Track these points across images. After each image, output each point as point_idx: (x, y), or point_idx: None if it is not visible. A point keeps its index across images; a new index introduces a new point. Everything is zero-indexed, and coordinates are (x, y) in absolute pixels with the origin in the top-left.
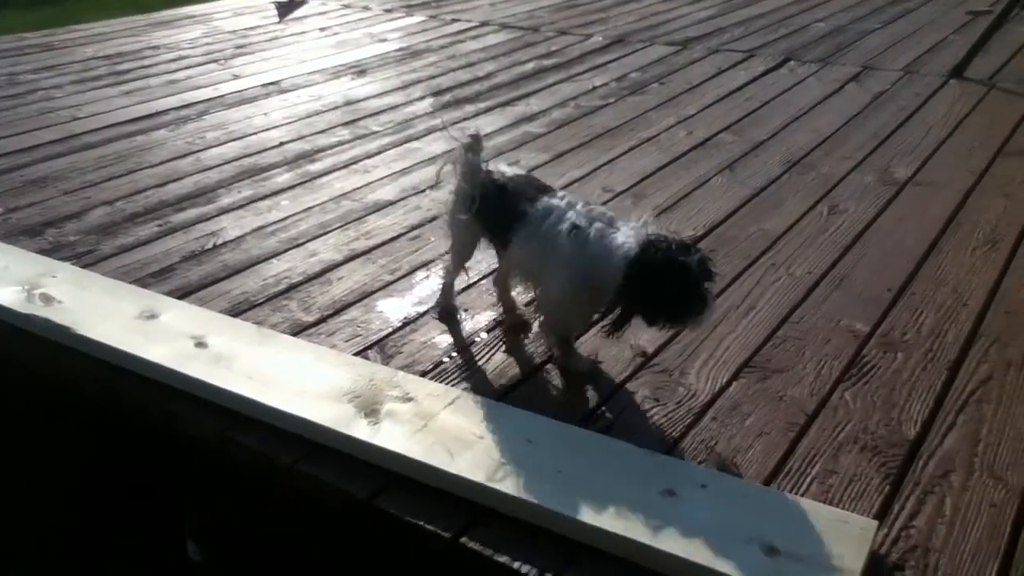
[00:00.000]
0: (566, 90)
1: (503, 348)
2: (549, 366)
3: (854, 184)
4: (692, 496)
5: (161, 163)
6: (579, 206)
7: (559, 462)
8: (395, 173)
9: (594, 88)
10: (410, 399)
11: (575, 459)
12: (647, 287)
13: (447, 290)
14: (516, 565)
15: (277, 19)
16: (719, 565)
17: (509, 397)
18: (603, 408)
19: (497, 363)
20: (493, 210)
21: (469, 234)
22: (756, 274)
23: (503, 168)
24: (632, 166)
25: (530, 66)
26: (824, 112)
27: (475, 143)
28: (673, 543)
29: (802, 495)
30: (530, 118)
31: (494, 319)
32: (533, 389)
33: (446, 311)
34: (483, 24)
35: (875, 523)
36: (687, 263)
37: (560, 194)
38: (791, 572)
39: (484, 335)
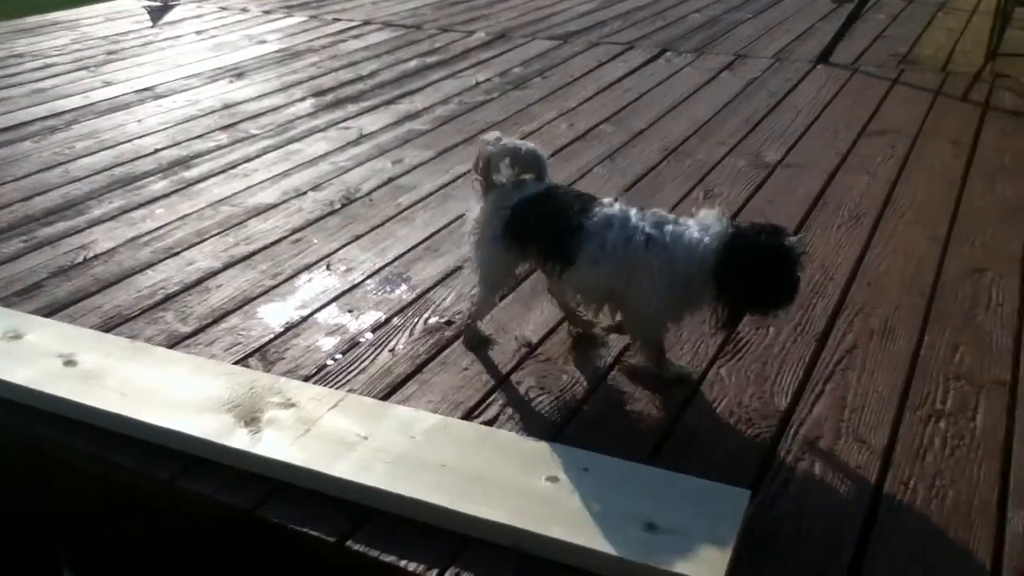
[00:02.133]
0: (449, 87)
1: (388, 347)
2: (433, 363)
3: (728, 169)
4: (575, 480)
5: (26, 176)
6: (634, 211)
7: (443, 457)
8: (276, 176)
9: (477, 84)
10: (292, 405)
11: (459, 453)
12: (745, 276)
13: (475, 325)
14: (403, 563)
15: (150, 23)
16: (600, 545)
17: (395, 396)
18: (488, 400)
19: (383, 362)
20: (539, 230)
21: (505, 260)
22: None
23: (537, 184)
24: None
25: (413, 64)
26: (700, 100)
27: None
28: (556, 528)
29: (682, 471)
30: (414, 115)
31: (379, 319)
32: (418, 386)
33: (479, 341)
34: (365, 23)
35: (748, 492)
36: (789, 247)
37: (606, 200)
38: (669, 546)
39: (369, 335)
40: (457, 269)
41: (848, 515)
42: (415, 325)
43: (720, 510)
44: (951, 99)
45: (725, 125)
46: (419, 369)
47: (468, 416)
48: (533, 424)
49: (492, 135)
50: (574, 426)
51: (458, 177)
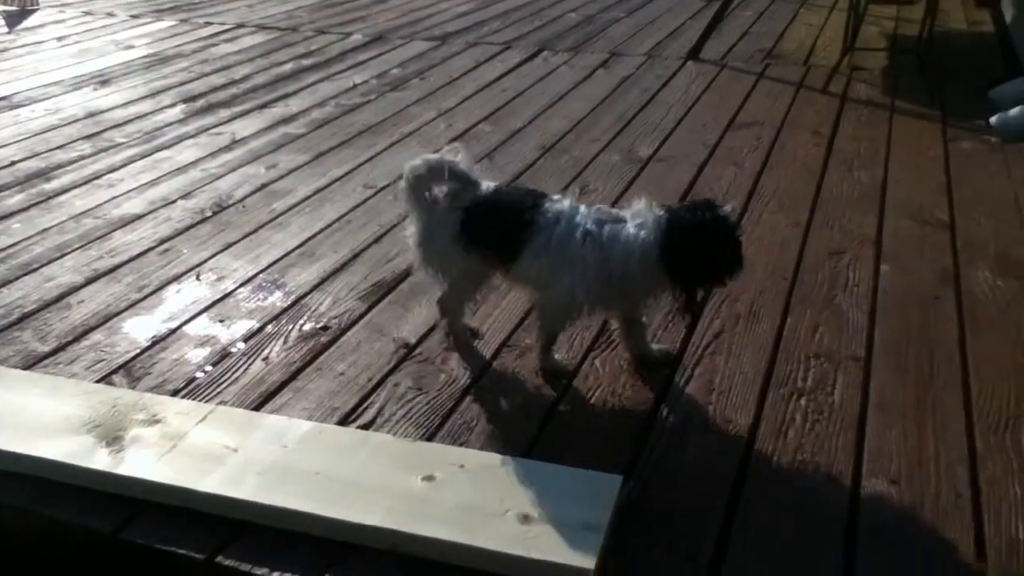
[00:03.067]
0: (326, 89)
1: (261, 356)
2: (308, 369)
3: (602, 164)
4: (451, 478)
5: None
6: (583, 208)
7: (317, 464)
8: (143, 185)
9: (354, 86)
10: (157, 421)
11: (333, 459)
12: (690, 257)
13: (458, 330)
14: (276, 575)
15: (6, 29)
16: (475, 540)
17: (268, 405)
18: (365, 404)
19: (255, 372)
20: (494, 227)
21: (468, 261)
22: None
23: (485, 184)
24: (393, 161)
25: (288, 67)
26: (575, 98)
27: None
28: (432, 527)
29: (558, 461)
30: (289, 119)
31: (251, 328)
32: (292, 394)
33: (467, 332)
34: (238, 26)
35: (620, 478)
36: (724, 216)
37: (556, 196)
38: (543, 536)
39: (242, 345)
40: (334, 273)
41: (716, 493)
42: (290, 332)
43: (593, 497)
44: (812, 91)
45: (600, 122)
46: (294, 376)
47: (344, 421)
48: (410, 425)
49: (417, 161)
50: (452, 424)
51: (335, 181)
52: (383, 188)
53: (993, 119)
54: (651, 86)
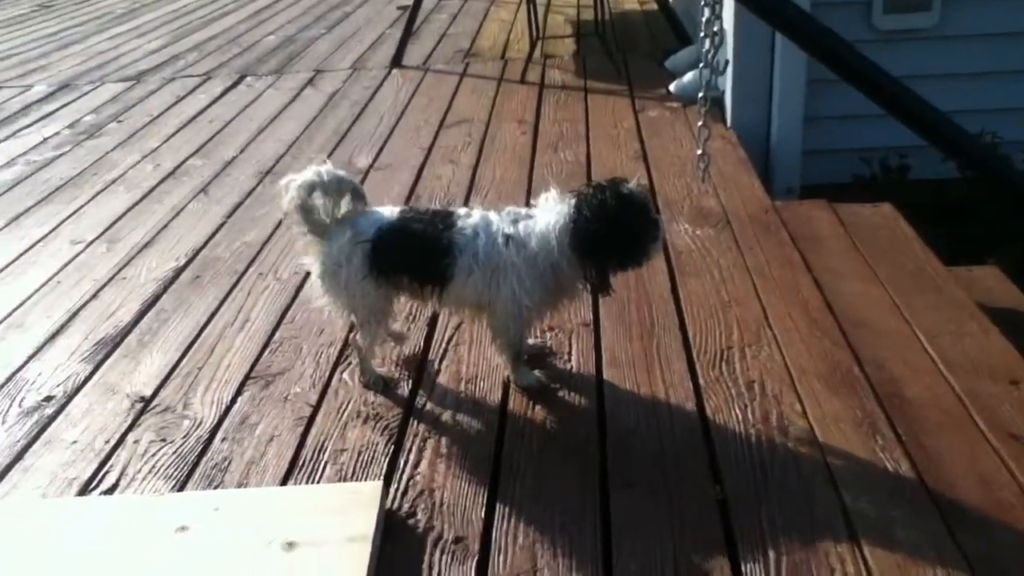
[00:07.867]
0: (12, 148)
1: None
2: (36, 445)
3: None
4: (206, 523)
5: None
6: (492, 214)
7: (58, 544)
8: None
9: (44, 140)
10: None
11: (73, 533)
12: (599, 237)
13: (370, 367)
14: None
15: None
16: None
17: None
18: (106, 468)
19: None
20: (411, 255)
21: (379, 295)
22: (246, 287)
23: (388, 210)
24: (100, 212)
25: None
26: (286, 120)
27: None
28: None
29: (318, 481)
30: None
31: None
32: (21, 475)
33: (381, 381)
34: None
35: (380, 483)
36: (629, 195)
37: (463, 211)
38: (310, 559)
39: None
40: (51, 339)
41: (476, 477)
42: (7, 411)
43: (356, 508)
44: (512, 83)
45: (314, 139)
46: (19, 457)
47: (84, 490)
48: (158, 479)
49: (286, 179)
50: (203, 468)
51: (36, 242)
52: (94, 240)
53: (672, 86)
54: (360, 98)
